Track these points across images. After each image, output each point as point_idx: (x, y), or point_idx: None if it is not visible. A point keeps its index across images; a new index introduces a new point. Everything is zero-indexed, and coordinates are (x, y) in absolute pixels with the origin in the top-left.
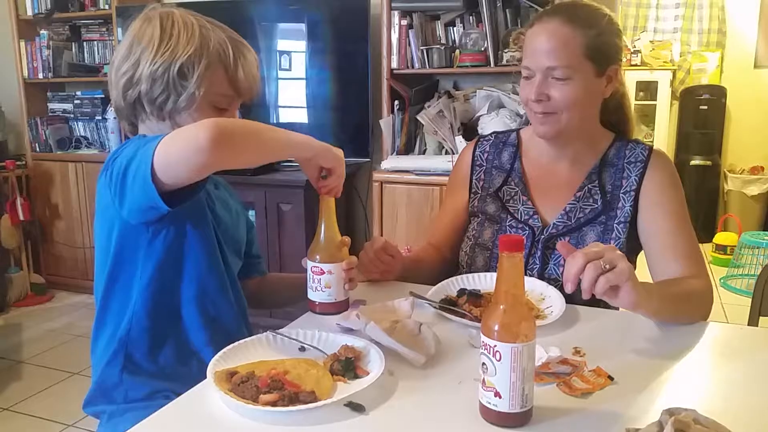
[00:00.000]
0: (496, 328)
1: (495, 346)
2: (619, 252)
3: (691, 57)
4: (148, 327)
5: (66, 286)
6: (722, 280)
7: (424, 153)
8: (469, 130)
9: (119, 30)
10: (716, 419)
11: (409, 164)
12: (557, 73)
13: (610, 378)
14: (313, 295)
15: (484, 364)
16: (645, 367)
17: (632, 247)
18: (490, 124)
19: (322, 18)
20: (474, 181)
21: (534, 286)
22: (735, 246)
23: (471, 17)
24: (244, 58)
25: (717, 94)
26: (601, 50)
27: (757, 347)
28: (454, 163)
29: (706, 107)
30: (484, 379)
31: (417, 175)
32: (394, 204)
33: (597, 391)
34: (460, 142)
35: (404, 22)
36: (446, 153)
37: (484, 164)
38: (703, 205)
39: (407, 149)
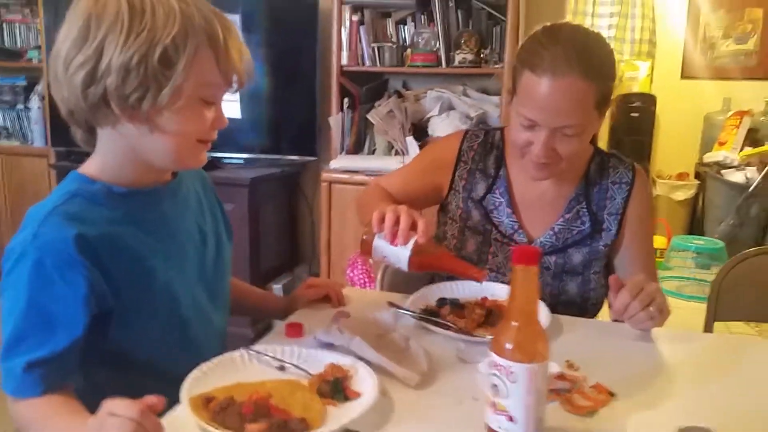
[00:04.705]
0: (510, 347)
1: (509, 366)
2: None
3: (624, 65)
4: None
5: None
6: None
7: (373, 153)
8: (419, 130)
9: (44, 11)
10: None
11: (360, 164)
12: (568, 131)
13: (611, 394)
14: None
15: (495, 385)
16: (642, 381)
17: (610, 261)
18: (440, 126)
19: (261, 9)
20: (456, 177)
21: None
22: (665, 249)
23: (423, 16)
24: (232, 35)
25: (647, 102)
26: (607, 96)
27: (760, 357)
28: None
29: (637, 114)
30: (494, 402)
31: (368, 175)
32: (342, 206)
33: (601, 409)
34: (411, 142)
35: (355, 18)
36: (396, 154)
37: (469, 163)
38: None
39: (356, 149)
